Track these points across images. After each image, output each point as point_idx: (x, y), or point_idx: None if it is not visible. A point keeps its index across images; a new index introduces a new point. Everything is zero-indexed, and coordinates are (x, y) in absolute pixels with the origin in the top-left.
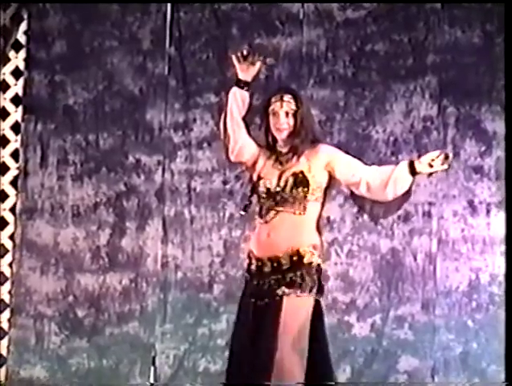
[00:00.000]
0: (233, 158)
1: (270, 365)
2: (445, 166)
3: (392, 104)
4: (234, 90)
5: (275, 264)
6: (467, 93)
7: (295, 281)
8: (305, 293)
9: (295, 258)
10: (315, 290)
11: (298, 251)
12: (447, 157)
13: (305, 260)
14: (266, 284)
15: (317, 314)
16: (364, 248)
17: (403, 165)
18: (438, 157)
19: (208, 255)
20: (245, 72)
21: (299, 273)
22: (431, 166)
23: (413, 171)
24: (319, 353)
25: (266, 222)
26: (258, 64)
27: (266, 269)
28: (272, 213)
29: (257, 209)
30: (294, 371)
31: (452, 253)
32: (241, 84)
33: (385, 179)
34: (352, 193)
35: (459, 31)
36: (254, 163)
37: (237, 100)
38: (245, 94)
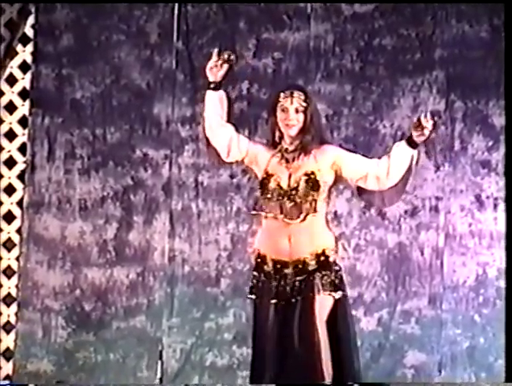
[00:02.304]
0: (227, 158)
1: (317, 361)
2: (431, 123)
3: (399, 99)
4: (208, 93)
5: (300, 265)
6: (474, 88)
7: (326, 280)
8: (334, 291)
9: (322, 258)
10: (341, 286)
11: (324, 251)
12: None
13: (330, 260)
14: (290, 285)
15: (344, 308)
16: (371, 242)
17: (399, 142)
18: (422, 121)
19: (215, 249)
20: (214, 74)
21: (328, 273)
22: (422, 129)
23: (411, 143)
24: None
25: (288, 224)
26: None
27: (288, 271)
28: (295, 216)
29: (269, 206)
30: (328, 368)
31: (459, 248)
32: (212, 85)
33: (388, 163)
34: (358, 189)
35: (466, 26)
36: (254, 161)
37: (213, 103)
38: (220, 94)
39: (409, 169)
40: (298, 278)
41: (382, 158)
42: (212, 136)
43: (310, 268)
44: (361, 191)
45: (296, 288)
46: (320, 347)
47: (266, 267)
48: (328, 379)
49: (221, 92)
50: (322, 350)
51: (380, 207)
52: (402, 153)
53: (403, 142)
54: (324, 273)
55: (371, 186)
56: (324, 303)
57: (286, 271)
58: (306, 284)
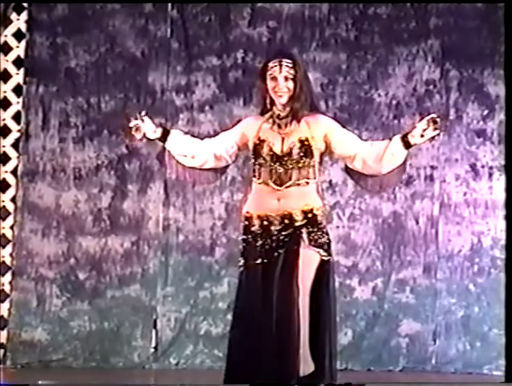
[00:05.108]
0: (228, 160)
1: (293, 313)
2: (437, 132)
3: (395, 68)
4: (165, 146)
5: (286, 221)
6: (470, 57)
7: (312, 236)
8: (320, 249)
9: (310, 215)
10: (328, 249)
11: (312, 209)
12: (435, 121)
13: (319, 219)
14: (275, 241)
15: (328, 273)
16: (366, 211)
17: (397, 139)
18: (427, 125)
19: (210, 218)
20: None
21: (315, 229)
22: (422, 136)
23: (407, 145)
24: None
25: (279, 190)
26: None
27: (275, 227)
28: (287, 181)
29: (261, 172)
30: (306, 318)
31: (454, 217)
32: (158, 140)
33: (380, 153)
34: (346, 167)
35: None
36: (246, 139)
37: (175, 147)
38: (171, 137)
39: (402, 167)
40: (283, 233)
41: (375, 143)
42: (200, 165)
43: (297, 224)
44: (348, 170)
45: (281, 242)
46: (298, 306)
47: (252, 227)
48: (302, 344)
49: (171, 135)
50: (300, 310)
51: (362, 188)
52: (397, 151)
53: (399, 142)
54: (311, 229)
55: (356, 167)
56: (308, 259)
57: (273, 228)
58: (291, 237)
